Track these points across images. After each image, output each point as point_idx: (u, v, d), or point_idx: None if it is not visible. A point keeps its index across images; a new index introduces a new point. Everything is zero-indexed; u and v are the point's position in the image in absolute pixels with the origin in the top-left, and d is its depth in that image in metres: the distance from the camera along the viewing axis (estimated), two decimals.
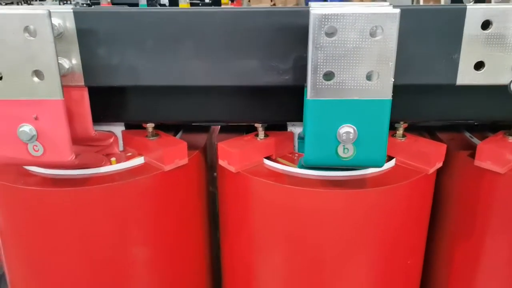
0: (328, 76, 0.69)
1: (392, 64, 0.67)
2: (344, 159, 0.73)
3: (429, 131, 1.07)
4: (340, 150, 0.73)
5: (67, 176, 0.86)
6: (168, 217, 0.94)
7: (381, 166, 0.77)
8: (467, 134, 1.04)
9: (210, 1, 5.83)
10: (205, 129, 1.11)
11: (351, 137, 0.71)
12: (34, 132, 0.72)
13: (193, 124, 1.10)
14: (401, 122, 0.93)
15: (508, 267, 0.96)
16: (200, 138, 1.05)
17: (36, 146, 0.73)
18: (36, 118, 0.72)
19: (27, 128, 0.72)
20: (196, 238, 1.03)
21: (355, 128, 0.71)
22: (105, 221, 0.87)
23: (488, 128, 1.04)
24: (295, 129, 0.97)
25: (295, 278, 0.92)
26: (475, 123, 1.05)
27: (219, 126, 1.11)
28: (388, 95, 0.69)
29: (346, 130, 0.71)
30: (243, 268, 0.99)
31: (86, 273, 0.91)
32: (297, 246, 0.89)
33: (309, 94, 0.70)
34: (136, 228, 0.91)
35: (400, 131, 0.93)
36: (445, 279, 1.08)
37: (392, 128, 0.94)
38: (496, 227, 0.93)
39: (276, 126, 0.98)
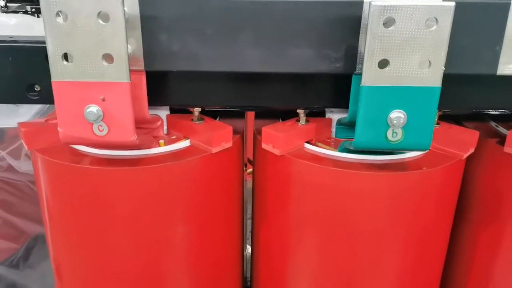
0: (383, 63, 0.73)
1: (444, 54, 0.72)
2: (393, 143, 0.78)
3: (456, 121, 1.12)
4: (389, 134, 0.78)
5: (121, 157, 0.90)
6: (213, 198, 0.98)
7: (427, 150, 0.82)
8: (493, 124, 1.09)
9: None
10: (241, 115, 1.15)
11: (401, 121, 0.75)
12: (101, 113, 0.76)
13: (229, 109, 1.14)
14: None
15: None
16: (239, 123, 1.09)
17: (101, 126, 0.77)
18: (103, 99, 0.75)
19: (94, 109, 0.75)
20: (235, 220, 1.08)
21: (405, 113, 0.76)
22: (156, 200, 0.91)
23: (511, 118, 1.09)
24: (333, 115, 1.01)
25: (332, 259, 0.97)
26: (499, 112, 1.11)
27: (254, 113, 1.16)
28: (438, 82, 0.74)
29: (397, 115, 0.75)
30: (280, 249, 1.04)
31: (133, 249, 0.95)
32: (336, 228, 0.94)
33: (363, 81, 0.74)
34: (184, 208, 0.95)
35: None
36: (467, 266, 1.14)
37: None
38: None
39: (314, 113, 1.02)
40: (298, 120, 0.99)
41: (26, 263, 1.98)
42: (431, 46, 0.72)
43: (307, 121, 0.98)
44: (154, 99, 0.95)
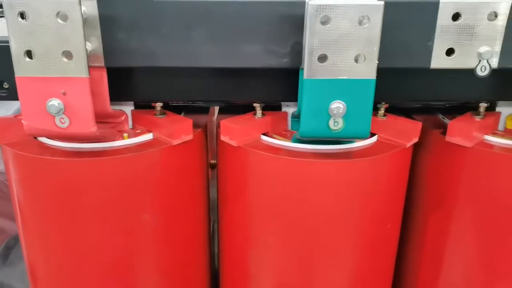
0: (322, 58, 0.80)
1: (376, 48, 0.79)
2: (335, 131, 0.85)
3: (407, 114, 1.20)
4: (331, 123, 0.84)
5: (86, 149, 0.95)
6: (177, 188, 1.04)
7: (366, 138, 0.89)
8: (440, 116, 1.17)
9: None
10: (205, 111, 1.21)
11: (340, 111, 0.82)
12: (62, 106, 0.81)
13: (195, 105, 1.20)
14: (383, 103, 1.05)
15: (475, 234, 1.09)
16: (202, 118, 1.15)
17: (63, 118, 0.83)
18: (64, 94, 0.81)
19: (55, 102, 0.81)
20: (201, 210, 1.13)
21: (344, 103, 0.82)
22: (121, 190, 0.96)
23: (458, 112, 1.17)
24: (289, 109, 1.08)
25: (289, 242, 1.04)
26: (447, 105, 1.18)
27: (218, 109, 1.22)
28: (373, 75, 0.81)
29: (337, 105, 0.82)
30: (241, 234, 1.10)
31: (102, 238, 1.00)
32: (292, 215, 1.00)
33: (305, 74, 0.81)
34: (147, 197, 1.00)
35: (381, 111, 1.05)
36: (419, 249, 1.21)
37: (375, 108, 1.06)
38: (464, 197, 1.05)
39: (271, 107, 1.09)
40: (255, 114, 1.05)
41: (6, 262, 2.01)
42: (365, 41, 0.78)
43: (263, 114, 1.05)
44: (119, 95, 1.01)
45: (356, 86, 0.81)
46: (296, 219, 1.01)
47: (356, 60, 0.80)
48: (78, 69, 0.79)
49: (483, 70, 0.88)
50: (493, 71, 0.91)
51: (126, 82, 1.00)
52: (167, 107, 1.09)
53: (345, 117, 0.84)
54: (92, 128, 0.84)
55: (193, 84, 1.01)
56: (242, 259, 1.13)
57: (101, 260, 1.03)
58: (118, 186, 0.96)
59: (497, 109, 1.08)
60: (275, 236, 1.05)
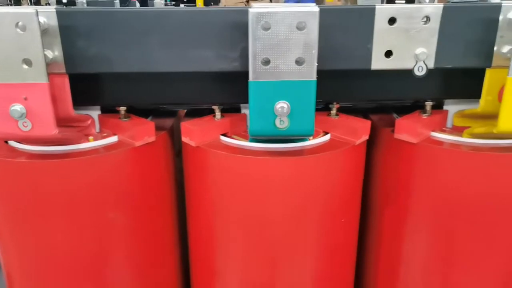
0: (265, 62, 0.86)
1: (315, 52, 0.85)
2: (281, 130, 0.91)
3: (364, 114, 1.26)
4: (277, 122, 0.90)
5: (51, 152, 1.01)
6: (140, 187, 1.09)
7: (311, 135, 0.95)
8: (395, 115, 1.23)
9: None
10: (173, 114, 1.27)
11: (285, 111, 0.88)
12: (24, 111, 0.87)
13: (162, 109, 1.26)
14: (334, 103, 1.11)
15: (428, 227, 1.14)
16: (168, 121, 1.21)
17: (25, 122, 0.88)
18: (25, 99, 0.86)
19: (18, 107, 0.86)
20: (165, 206, 1.19)
21: (288, 103, 0.88)
22: (83, 190, 1.01)
23: (412, 111, 1.22)
24: (248, 111, 1.13)
25: (251, 237, 1.09)
26: (401, 105, 1.24)
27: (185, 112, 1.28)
28: (313, 76, 0.87)
29: (281, 105, 0.88)
30: (206, 231, 1.15)
31: (72, 237, 1.05)
32: (249, 209, 1.05)
33: (250, 77, 0.87)
34: (113, 196, 1.05)
35: (334, 111, 1.11)
36: (378, 243, 1.26)
37: (328, 109, 1.12)
38: (414, 191, 1.11)
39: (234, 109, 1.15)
40: (214, 116, 1.11)
41: None
42: (304, 45, 0.84)
43: (222, 116, 1.11)
44: (86, 100, 1.07)
45: (298, 87, 0.87)
46: (255, 215, 1.06)
47: (297, 63, 0.86)
48: (37, 75, 0.85)
49: (420, 70, 0.94)
50: (439, 71, 0.98)
51: (92, 87, 1.06)
52: (135, 112, 1.14)
53: (290, 116, 0.90)
54: (53, 131, 0.89)
55: (155, 88, 1.07)
56: (208, 255, 1.18)
57: (71, 259, 1.08)
58: (83, 187, 1.01)
59: (445, 107, 1.14)
60: (237, 232, 1.10)
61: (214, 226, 1.12)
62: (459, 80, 1.07)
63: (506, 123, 0.91)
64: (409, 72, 0.96)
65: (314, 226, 1.09)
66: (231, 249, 1.13)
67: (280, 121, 0.90)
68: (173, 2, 7.29)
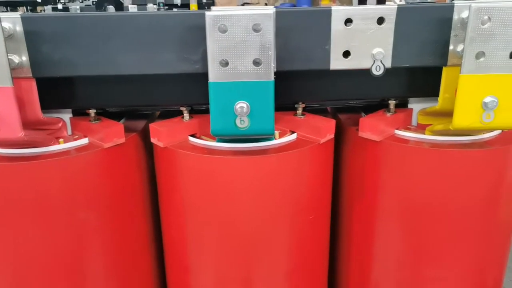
0: (223, 63, 0.88)
1: (271, 53, 0.88)
2: (242, 129, 0.93)
3: (333, 113, 1.29)
4: (238, 122, 0.93)
5: (20, 155, 1.03)
6: (111, 187, 1.11)
7: (271, 134, 0.97)
8: (363, 114, 1.25)
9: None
10: (147, 117, 1.29)
11: (244, 111, 0.91)
12: None
13: (136, 112, 1.28)
14: (300, 103, 1.13)
15: (395, 223, 1.17)
16: (140, 123, 1.23)
17: None
18: None
19: None
20: (138, 206, 1.21)
21: (247, 103, 0.91)
22: (57, 192, 1.03)
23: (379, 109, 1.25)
24: None
25: (221, 235, 1.11)
26: (369, 104, 1.27)
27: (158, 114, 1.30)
28: (270, 77, 0.90)
29: (241, 105, 0.90)
30: (177, 230, 1.17)
31: (40, 239, 1.07)
32: (217, 207, 1.07)
33: (210, 78, 0.90)
34: (83, 197, 1.07)
35: (299, 110, 1.13)
36: (348, 238, 1.28)
37: (294, 108, 1.15)
38: (380, 188, 1.14)
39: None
40: (183, 117, 1.13)
41: None
42: (260, 47, 0.87)
43: (191, 117, 1.13)
44: (57, 103, 1.10)
45: (256, 88, 0.90)
46: (224, 213, 1.08)
47: (255, 64, 0.89)
48: (2, 79, 0.87)
49: (378, 69, 0.96)
50: (403, 70, 1.01)
51: (63, 91, 1.09)
52: (109, 115, 1.17)
53: (250, 116, 0.92)
54: (19, 133, 0.92)
55: (126, 91, 1.10)
56: (181, 253, 1.20)
57: (44, 262, 1.09)
58: (53, 189, 1.03)
59: (409, 105, 1.17)
60: (207, 230, 1.12)
61: (186, 225, 1.15)
62: (423, 78, 1.10)
63: (460, 120, 0.94)
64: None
65: (283, 223, 1.11)
66: (203, 247, 1.15)
67: (241, 120, 0.92)
68: (166, 7, 7.33)
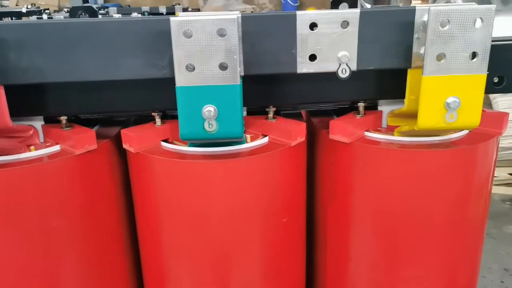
0: (190, 67, 0.89)
1: (237, 57, 0.89)
2: (211, 133, 0.94)
3: (307, 117, 1.30)
4: (206, 126, 0.93)
5: None
6: (84, 194, 1.11)
7: (240, 137, 0.98)
8: (335, 117, 1.27)
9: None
10: (122, 124, 1.29)
11: (212, 114, 0.92)
12: None
13: (111, 119, 1.29)
14: (271, 107, 1.14)
15: (368, 225, 1.18)
16: (114, 130, 1.23)
17: None
18: None
19: None
20: (113, 211, 1.20)
21: (215, 107, 0.92)
22: (30, 200, 1.02)
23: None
24: None
25: (195, 238, 1.11)
26: (340, 107, 1.29)
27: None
28: (237, 81, 0.91)
29: (208, 109, 0.91)
30: (153, 234, 1.17)
31: (12, 247, 1.06)
32: (191, 211, 1.08)
33: (177, 82, 0.90)
34: (56, 204, 1.07)
35: (270, 114, 1.15)
36: (323, 240, 1.29)
37: (265, 112, 1.16)
38: (352, 189, 1.15)
39: None
40: (155, 123, 1.14)
41: None
42: (225, 51, 0.88)
43: (163, 122, 1.14)
44: (27, 110, 1.10)
45: (223, 91, 0.91)
46: (197, 217, 1.08)
47: (221, 68, 0.90)
48: None
49: (344, 72, 0.98)
50: (371, 73, 1.02)
51: (34, 98, 1.09)
52: (83, 122, 1.17)
53: (218, 119, 0.93)
54: None
55: (96, 97, 1.10)
56: (157, 258, 1.20)
57: (17, 269, 1.09)
58: (24, 196, 1.03)
59: (379, 108, 1.18)
60: (182, 234, 1.12)
61: (160, 229, 1.15)
62: (391, 81, 1.11)
63: (425, 120, 0.96)
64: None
65: (257, 225, 1.12)
66: (178, 251, 1.15)
67: (209, 124, 0.93)
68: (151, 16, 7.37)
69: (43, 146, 1.11)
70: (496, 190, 3.81)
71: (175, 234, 1.13)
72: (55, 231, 1.09)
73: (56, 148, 1.10)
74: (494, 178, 1.25)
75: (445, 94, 0.93)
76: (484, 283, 2.32)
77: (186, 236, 1.12)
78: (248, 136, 1.11)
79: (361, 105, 1.15)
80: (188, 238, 1.12)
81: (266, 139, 1.12)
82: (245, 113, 1.18)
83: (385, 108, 1.18)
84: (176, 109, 1.12)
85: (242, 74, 0.94)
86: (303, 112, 1.37)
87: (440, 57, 0.91)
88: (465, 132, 1.13)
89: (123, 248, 1.27)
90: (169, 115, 1.20)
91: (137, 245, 1.27)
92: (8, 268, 1.08)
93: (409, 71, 1.00)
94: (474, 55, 0.91)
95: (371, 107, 1.20)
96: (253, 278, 1.18)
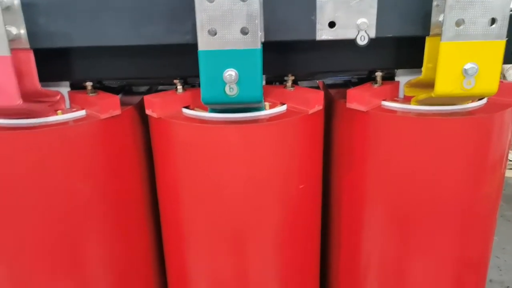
0: (211, 32, 0.92)
1: (258, 22, 0.91)
2: (231, 97, 0.97)
3: (324, 89, 1.32)
4: (227, 90, 0.96)
5: (20, 125, 1.07)
6: (107, 158, 1.15)
7: (259, 101, 1.01)
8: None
9: None
10: (143, 94, 1.33)
11: (233, 78, 0.94)
12: None
13: (133, 90, 1.33)
14: (289, 75, 1.17)
15: (384, 192, 1.20)
16: (136, 98, 1.27)
17: None
18: None
19: None
20: (134, 175, 1.24)
21: (236, 71, 0.94)
22: (55, 161, 1.08)
23: None
24: None
25: (213, 203, 1.15)
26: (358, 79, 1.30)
27: None
28: (257, 45, 0.93)
29: (229, 73, 0.94)
30: (173, 197, 1.21)
31: (39, 205, 1.11)
32: (210, 176, 1.11)
33: (199, 46, 0.93)
34: (81, 167, 1.12)
35: (289, 83, 1.17)
36: (338, 207, 1.32)
37: (284, 81, 1.18)
38: (367, 157, 1.17)
39: None
40: (177, 90, 1.17)
41: None
42: (247, 16, 0.90)
43: (184, 90, 1.17)
44: (56, 77, 1.14)
45: (244, 56, 0.93)
46: (216, 182, 1.12)
47: (242, 32, 0.92)
48: (0, 49, 0.91)
49: (362, 39, 1.00)
50: (389, 42, 1.03)
51: (61, 64, 1.13)
52: (107, 91, 1.21)
53: (239, 83, 0.96)
54: (17, 101, 0.96)
55: (120, 63, 1.14)
56: (176, 220, 1.24)
57: (43, 227, 1.14)
58: (51, 157, 1.07)
59: (396, 78, 1.20)
60: (200, 198, 1.16)
61: (180, 193, 1.18)
62: (409, 50, 1.12)
63: (442, 87, 0.97)
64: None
65: (274, 190, 1.15)
66: (196, 215, 1.19)
67: (230, 88, 0.96)
68: None
69: (69, 111, 1.15)
70: (510, 174, 3.77)
71: (194, 198, 1.17)
72: (79, 192, 1.14)
73: (82, 113, 1.14)
74: (508, 162, 1.26)
75: (463, 60, 0.94)
76: (498, 263, 2.33)
77: (205, 200, 1.16)
78: (267, 104, 1.13)
79: (378, 74, 1.16)
80: (207, 202, 1.16)
81: (284, 107, 1.14)
82: (264, 82, 1.20)
83: (402, 78, 1.19)
84: (197, 77, 1.16)
85: (263, 40, 0.96)
86: (320, 84, 1.39)
87: (459, 23, 0.92)
88: (482, 102, 1.14)
89: (144, 211, 1.32)
90: (190, 84, 1.23)
91: (157, 208, 1.32)
92: (33, 228, 1.13)
93: (427, 39, 1.01)
94: (493, 21, 0.91)
95: (388, 78, 1.21)
96: (269, 244, 1.22)
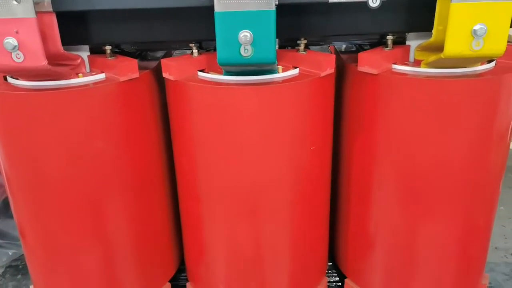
0: None
1: None
2: (246, 58, 1.01)
3: (336, 55, 1.35)
4: (242, 51, 1.00)
5: (44, 86, 1.12)
6: (126, 120, 1.20)
7: (273, 63, 1.04)
8: None
9: None
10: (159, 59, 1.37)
11: (248, 39, 0.98)
12: (16, 43, 0.98)
13: (150, 56, 1.37)
14: (302, 39, 1.20)
15: (394, 153, 1.24)
16: (153, 63, 1.31)
17: (18, 54, 1.00)
18: (17, 32, 0.97)
19: (10, 40, 0.98)
20: (151, 136, 1.29)
21: (251, 32, 0.98)
22: (78, 122, 1.13)
23: None
24: None
25: (227, 164, 1.20)
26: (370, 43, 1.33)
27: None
28: (272, 6, 0.96)
29: (244, 34, 0.98)
30: (189, 159, 1.26)
31: (63, 166, 1.17)
32: (224, 136, 1.16)
33: (216, 8, 0.97)
34: (101, 127, 1.17)
35: (301, 46, 1.20)
36: (349, 169, 1.36)
37: (296, 45, 1.21)
38: (377, 119, 1.21)
39: None
40: (192, 53, 1.21)
41: (7, 214, 2.19)
42: None
43: (199, 54, 1.21)
44: (76, 40, 1.18)
45: (259, 17, 0.97)
46: (230, 142, 1.17)
47: None
48: (26, 10, 0.96)
49: (374, 1, 1.02)
50: (401, 5, 1.06)
51: (81, 28, 1.17)
52: (124, 55, 1.25)
53: (253, 44, 0.99)
54: (42, 62, 1.01)
55: (138, 27, 1.18)
56: (192, 182, 1.29)
57: (67, 185, 1.20)
58: (73, 118, 1.12)
59: (407, 42, 1.22)
60: (215, 158, 1.21)
61: (195, 154, 1.23)
62: (419, 13, 1.14)
63: (452, 48, 0.99)
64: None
65: (285, 151, 1.19)
66: (212, 176, 1.24)
67: (245, 49, 1.00)
68: None
69: (89, 74, 1.20)
70: None
71: (209, 158, 1.22)
72: (100, 151, 1.19)
73: (102, 76, 1.19)
74: None
75: (473, 21, 0.96)
76: (504, 231, 2.37)
77: (220, 160, 1.20)
78: (280, 67, 1.17)
79: (389, 38, 1.18)
80: (222, 162, 1.21)
81: (297, 70, 1.18)
82: (277, 47, 1.23)
83: (413, 43, 1.21)
84: (212, 40, 1.20)
85: (277, 2, 0.99)
86: (332, 49, 1.41)
87: None
88: (491, 65, 1.16)
89: (161, 171, 1.38)
90: (205, 49, 1.26)
91: (173, 169, 1.37)
92: (57, 186, 1.19)
93: (438, 1, 1.03)
94: None
95: (399, 42, 1.23)
96: (282, 203, 1.27)
